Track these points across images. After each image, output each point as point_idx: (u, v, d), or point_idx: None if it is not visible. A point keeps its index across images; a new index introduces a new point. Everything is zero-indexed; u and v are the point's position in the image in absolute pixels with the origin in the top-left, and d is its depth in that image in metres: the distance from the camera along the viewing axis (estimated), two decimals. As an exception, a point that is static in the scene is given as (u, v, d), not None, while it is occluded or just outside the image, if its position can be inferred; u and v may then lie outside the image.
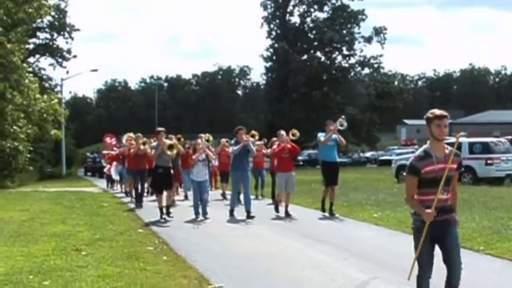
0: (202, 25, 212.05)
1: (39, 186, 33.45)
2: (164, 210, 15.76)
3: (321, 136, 15.87)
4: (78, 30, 53.46)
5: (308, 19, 62.39)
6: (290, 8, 62.24)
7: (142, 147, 18.47)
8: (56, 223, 14.38)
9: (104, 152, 30.69)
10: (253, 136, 16.99)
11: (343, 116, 16.28)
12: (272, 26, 62.24)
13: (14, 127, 30.05)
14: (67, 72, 54.29)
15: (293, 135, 16.53)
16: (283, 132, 16.20)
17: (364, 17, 60.24)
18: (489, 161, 25.58)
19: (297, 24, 62.34)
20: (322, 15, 62.07)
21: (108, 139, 30.45)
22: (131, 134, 21.77)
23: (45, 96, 32.74)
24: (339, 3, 61.35)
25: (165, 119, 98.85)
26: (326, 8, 61.92)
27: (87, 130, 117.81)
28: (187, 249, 11.04)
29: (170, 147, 15.27)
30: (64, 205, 19.22)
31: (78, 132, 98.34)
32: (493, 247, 10.52)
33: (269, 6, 62.36)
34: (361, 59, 60.87)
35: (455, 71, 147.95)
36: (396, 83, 66.59)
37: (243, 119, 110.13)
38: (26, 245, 11.01)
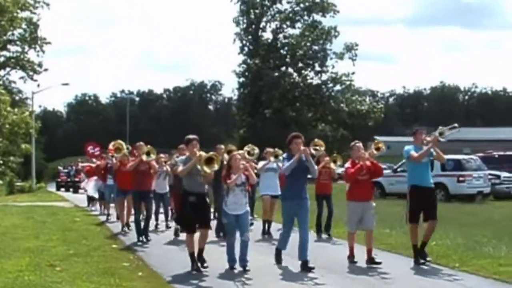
0: (174, 40, 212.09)
1: (9, 200, 32.96)
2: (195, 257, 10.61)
3: (411, 150, 11.05)
4: (49, 43, 53.00)
5: (281, 35, 62.57)
6: (262, 24, 62.33)
7: (145, 158, 13.91)
8: (28, 238, 14.21)
9: (83, 164, 28.39)
10: (276, 156, 13.79)
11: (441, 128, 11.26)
12: (244, 42, 62.27)
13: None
14: (38, 86, 53.79)
15: (316, 146, 11.51)
16: (359, 144, 11.23)
17: (336, 33, 60.55)
18: (461, 178, 25.86)
19: (269, 40, 62.46)
20: (294, 31, 62.34)
21: (90, 148, 27.69)
22: (121, 141, 16.54)
23: (16, 109, 32.42)
24: (311, 19, 61.63)
25: (137, 134, 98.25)
26: (298, 24, 62.22)
27: (57, 144, 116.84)
28: (163, 266, 10.99)
29: (209, 161, 10.08)
30: (35, 219, 18.98)
31: (48, 146, 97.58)
32: (469, 264, 10.64)
33: (241, 22, 62.47)
34: (333, 75, 61.15)
35: (425, 88, 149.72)
36: (366, 99, 66.80)
37: (214, 134, 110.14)
38: (-1, 260, 10.84)
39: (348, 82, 61.14)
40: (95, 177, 22.14)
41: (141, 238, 13.98)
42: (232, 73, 63.03)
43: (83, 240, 13.99)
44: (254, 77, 59.30)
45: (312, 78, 62.49)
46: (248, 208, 10.69)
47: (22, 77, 53.58)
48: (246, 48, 62.20)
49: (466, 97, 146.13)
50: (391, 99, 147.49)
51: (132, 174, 14.40)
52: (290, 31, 62.67)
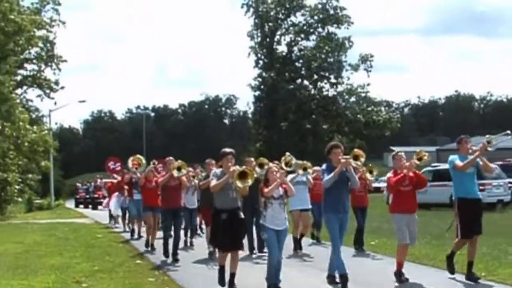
0: (188, 55, 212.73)
1: (29, 218, 33.14)
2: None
3: (455, 159, 10.37)
4: (65, 61, 53.29)
5: (295, 48, 62.78)
6: (277, 37, 62.59)
7: (176, 174, 13.17)
8: (52, 254, 14.27)
9: (105, 180, 27.63)
10: (305, 169, 12.96)
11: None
12: (259, 55, 62.49)
13: (5, 158, 29.90)
14: (55, 103, 54.11)
15: (356, 157, 10.25)
16: (401, 153, 10.68)
17: (351, 44, 60.71)
18: (481, 187, 25.61)
19: (284, 53, 62.66)
20: (309, 44, 62.53)
21: (111, 164, 26.59)
22: (140, 156, 16.96)
23: (35, 127, 32.65)
24: (326, 31, 61.80)
25: (153, 149, 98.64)
26: (313, 36, 62.40)
27: (74, 161, 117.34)
28: (189, 282, 10.95)
29: (243, 175, 9.44)
30: (58, 236, 19.08)
31: (65, 163, 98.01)
32: (495, 273, 10.56)
33: (255, 36, 62.73)
34: (349, 87, 61.21)
35: (440, 98, 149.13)
36: (382, 110, 66.69)
37: (230, 147, 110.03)
38: (25, 277, 10.87)
39: (363, 94, 61.18)
40: (116, 193, 21.68)
41: (169, 258, 13.39)
42: (247, 86, 63.33)
43: (107, 256, 14.01)
44: (269, 90, 59.43)
45: (327, 90, 62.66)
46: (287, 224, 9.90)
47: (39, 95, 53.74)
48: (261, 62, 62.43)
49: (482, 106, 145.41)
50: (406, 109, 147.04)
51: (161, 191, 13.98)
52: (305, 43, 63.08)
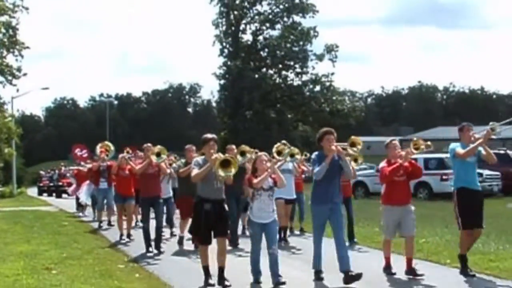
0: (152, 43, 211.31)
1: (-9, 205, 32.73)
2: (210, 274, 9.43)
3: (457, 147, 9.84)
4: (28, 48, 52.60)
5: (261, 37, 62.80)
6: (242, 26, 62.46)
7: (155, 160, 12.45)
8: (19, 242, 14.19)
9: (71, 168, 26.70)
10: (292, 155, 11.83)
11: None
12: (224, 44, 62.37)
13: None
14: (17, 91, 53.35)
15: (354, 144, 9.67)
16: (395, 142, 10.05)
17: (316, 34, 60.82)
18: (444, 177, 26.09)
19: (249, 42, 62.64)
20: (274, 33, 62.55)
21: (77, 151, 26.51)
22: (108, 143, 16.95)
23: (-2, 115, 32.23)
24: (291, 20, 61.86)
25: (116, 137, 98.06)
26: (278, 25, 62.40)
27: (35, 149, 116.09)
28: (158, 267, 11.04)
29: (226, 164, 8.80)
30: (24, 224, 18.93)
31: (27, 151, 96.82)
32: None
33: (221, 24, 62.56)
34: (313, 77, 61.43)
35: (403, 88, 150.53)
36: (346, 100, 67.14)
37: (193, 136, 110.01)
38: (-6, 264, 10.81)
39: (328, 83, 61.44)
40: (87, 182, 20.79)
41: (150, 249, 12.66)
42: (212, 75, 63.22)
43: (75, 243, 13.98)
44: (234, 79, 59.37)
45: (292, 79, 62.79)
46: (276, 217, 9.28)
47: (0, 82, 53.14)
48: (226, 50, 62.32)
49: (445, 97, 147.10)
50: (369, 99, 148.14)
51: (139, 179, 13.20)
52: (270, 32, 62.98)
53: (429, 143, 9.99)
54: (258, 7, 62.56)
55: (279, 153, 11.61)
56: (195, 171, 9.11)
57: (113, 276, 9.89)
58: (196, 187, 11.60)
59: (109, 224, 18.17)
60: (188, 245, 13.17)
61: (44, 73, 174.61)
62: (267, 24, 62.46)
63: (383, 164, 9.85)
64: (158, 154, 12.41)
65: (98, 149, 16.84)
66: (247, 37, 63.16)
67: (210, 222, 9.05)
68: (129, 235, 14.79)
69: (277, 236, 9.31)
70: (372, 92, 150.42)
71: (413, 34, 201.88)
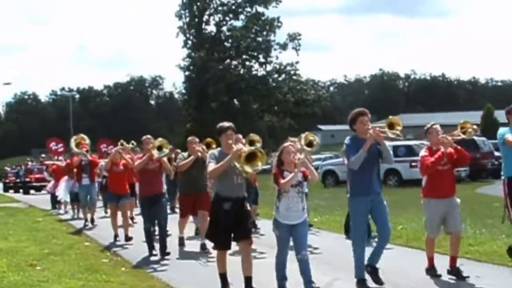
0: (113, 36, 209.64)
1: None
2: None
3: (507, 132, 8.86)
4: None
5: (224, 28, 62.74)
6: (205, 17, 62.40)
7: (156, 154, 11.10)
8: (-3, 239, 14.06)
9: (48, 162, 25.21)
10: (310, 144, 10.22)
11: None
12: (188, 35, 62.22)
13: None
14: (-24, 86, 52.69)
15: (392, 125, 8.32)
16: (437, 126, 8.69)
17: (279, 24, 61.05)
18: (413, 164, 26.39)
19: (213, 33, 62.58)
20: (238, 24, 62.55)
21: (52, 145, 25.02)
22: (83, 136, 16.26)
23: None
24: (254, 11, 61.91)
25: (79, 131, 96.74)
26: (242, 16, 62.44)
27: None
28: (142, 260, 11.06)
29: (252, 157, 7.53)
30: (-4, 221, 18.70)
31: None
32: (439, 246, 10.78)
33: (184, 16, 62.35)
34: (278, 66, 61.64)
35: (365, 76, 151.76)
36: (309, 89, 67.51)
37: (156, 129, 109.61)
38: (-24, 263, 10.70)
39: (292, 72, 61.70)
40: (65, 178, 19.77)
41: (155, 252, 11.35)
42: (176, 67, 63.04)
43: (54, 239, 13.89)
44: (199, 70, 59.28)
45: (257, 70, 62.93)
46: (306, 216, 8.01)
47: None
48: (190, 42, 62.17)
49: (406, 84, 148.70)
50: (332, 88, 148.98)
51: (139, 175, 11.87)
52: (234, 23, 63.01)
53: (475, 126, 8.74)
54: (221, -3, 62.55)
55: (310, 144, 10.29)
56: (211, 166, 7.80)
57: (99, 270, 9.86)
58: (198, 182, 11.16)
59: (92, 222, 17.09)
60: (190, 247, 12.23)
61: (4, 68, 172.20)
62: (230, 15, 62.50)
63: (423, 152, 8.70)
64: (159, 148, 11.04)
65: (72, 143, 16.11)
66: (211, 28, 63.26)
67: (230, 224, 7.81)
68: (127, 237, 13.23)
69: (307, 239, 8.02)
70: (335, 81, 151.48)
71: (372, 23, 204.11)
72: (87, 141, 16.06)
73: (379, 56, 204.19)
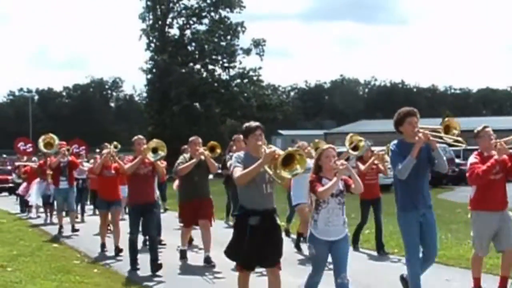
0: (72, 37, 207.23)
1: None
2: None
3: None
4: None
5: (188, 32, 62.61)
6: (169, 20, 62.19)
7: (151, 157, 10.10)
8: (-40, 241, 13.88)
9: (19, 163, 23.71)
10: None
11: None
12: (151, 38, 61.93)
13: None
14: None
15: (449, 128, 7.47)
16: (489, 129, 7.67)
17: (243, 29, 61.24)
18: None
19: (176, 37, 62.39)
20: (201, 28, 62.48)
21: (21, 145, 23.41)
22: (53, 135, 15.39)
23: None
24: (218, 15, 61.95)
25: (38, 133, 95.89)
26: (206, 20, 62.39)
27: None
28: (113, 262, 11.08)
29: (288, 160, 6.18)
30: (-43, 223, 18.40)
31: None
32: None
33: (147, 18, 62.10)
34: (241, 71, 61.81)
35: (325, 82, 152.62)
36: (272, 94, 67.80)
37: (116, 131, 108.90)
38: None
39: (255, 77, 61.91)
40: (36, 180, 18.51)
41: (138, 266, 10.24)
42: (138, 69, 62.77)
43: (21, 241, 13.84)
44: (162, 73, 59.03)
45: (220, 74, 62.91)
46: (347, 231, 6.83)
47: None
48: (153, 45, 61.88)
49: (366, 90, 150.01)
50: (292, 93, 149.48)
51: (128, 180, 10.77)
52: (198, 27, 62.90)
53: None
54: (185, 1, 62.33)
55: (356, 148, 9.48)
56: (238, 171, 6.56)
57: (71, 272, 9.91)
58: (201, 188, 10.55)
59: (73, 230, 15.54)
60: (192, 260, 11.13)
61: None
62: (194, 19, 62.34)
63: (473, 158, 7.65)
64: (154, 150, 10.05)
65: (41, 143, 15.25)
66: (174, 31, 62.96)
67: (257, 242, 6.53)
68: (118, 250, 11.91)
69: (347, 258, 6.76)
70: (296, 86, 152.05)
71: (333, 29, 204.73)
72: (57, 141, 15.38)
73: (340, 62, 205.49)
